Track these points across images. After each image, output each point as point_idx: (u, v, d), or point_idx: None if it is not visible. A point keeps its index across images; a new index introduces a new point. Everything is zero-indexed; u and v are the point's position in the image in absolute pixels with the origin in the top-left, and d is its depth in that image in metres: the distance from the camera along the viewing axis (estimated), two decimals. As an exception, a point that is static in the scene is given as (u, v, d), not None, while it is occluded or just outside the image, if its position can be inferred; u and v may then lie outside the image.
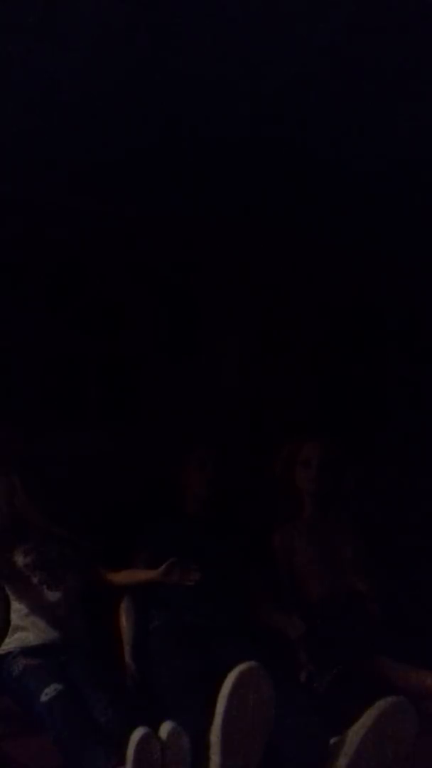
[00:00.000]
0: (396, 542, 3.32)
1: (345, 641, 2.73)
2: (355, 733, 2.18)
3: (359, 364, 3.82)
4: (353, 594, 2.94)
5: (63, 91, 2.86)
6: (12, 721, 2.51)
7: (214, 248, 3.64)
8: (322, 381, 3.75)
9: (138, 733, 2.14)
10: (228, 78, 2.82)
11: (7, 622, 2.75)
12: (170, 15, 2.50)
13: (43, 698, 2.41)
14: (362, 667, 2.62)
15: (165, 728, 2.18)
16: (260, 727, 2.21)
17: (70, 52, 2.66)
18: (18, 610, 2.76)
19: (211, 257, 3.64)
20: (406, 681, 2.53)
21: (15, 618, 2.75)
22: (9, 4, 2.44)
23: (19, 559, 2.82)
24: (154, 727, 2.17)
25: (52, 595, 2.77)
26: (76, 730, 2.32)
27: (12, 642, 2.71)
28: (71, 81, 2.80)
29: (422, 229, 3.67)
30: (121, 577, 2.86)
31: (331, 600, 2.93)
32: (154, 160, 3.30)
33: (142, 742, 2.12)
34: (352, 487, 3.16)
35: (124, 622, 2.83)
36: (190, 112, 3.01)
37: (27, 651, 2.64)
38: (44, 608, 2.74)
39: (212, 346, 3.66)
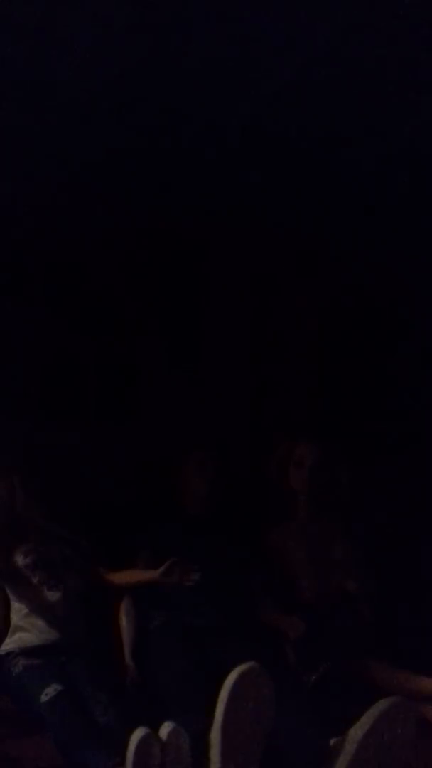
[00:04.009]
0: (396, 543, 3.33)
1: (334, 641, 2.73)
2: (355, 733, 2.19)
3: (359, 365, 3.82)
4: (345, 594, 2.94)
5: (63, 91, 2.86)
6: (12, 721, 2.51)
7: (215, 248, 3.63)
8: (323, 382, 3.75)
9: (138, 734, 2.14)
10: (228, 78, 2.82)
11: (7, 622, 2.75)
12: (170, 15, 2.50)
13: (43, 698, 2.41)
14: (352, 667, 2.63)
15: (165, 728, 2.18)
16: (260, 727, 2.21)
17: (70, 52, 2.66)
18: (18, 610, 2.75)
19: (211, 257, 3.64)
20: (397, 684, 2.53)
21: (15, 618, 2.75)
22: (9, 4, 2.44)
23: (19, 559, 2.81)
24: (154, 727, 2.17)
25: (52, 595, 2.76)
26: (76, 730, 2.32)
27: (12, 642, 2.71)
28: (71, 81, 2.80)
29: (423, 229, 3.67)
30: (121, 577, 2.86)
31: (322, 600, 2.93)
32: (155, 160, 3.30)
33: (142, 742, 2.13)
34: (346, 487, 3.16)
35: (124, 622, 2.83)
36: (191, 111, 3.01)
37: (27, 651, 2.64)
38: (44, 608, 2.73)
39: (213, 345, 3.65)
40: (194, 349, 3.63)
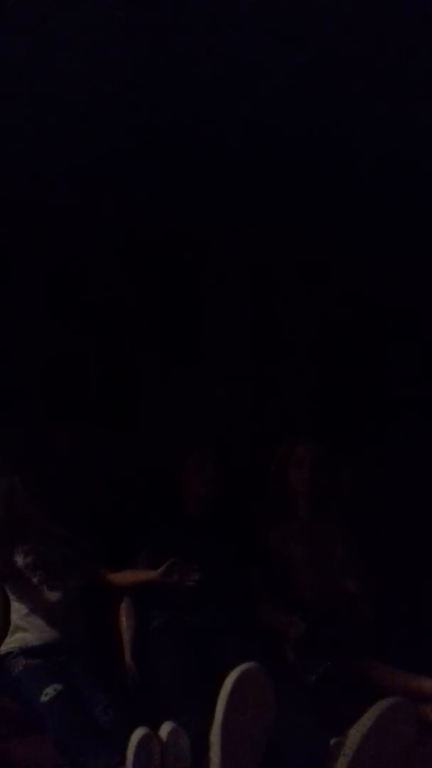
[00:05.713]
0: (397, 543, 3.33)
1: (334, 641, 2.73)
2: (355, 733, 2.18)
3: (360, 365, 3.82)
4: (345, 595, 2.94)
5: (63, 91, 2.87)
6: (12, 721, 2.51)
7: (215, 248, 3.63)
8: (323, 381, 3.75)
9: (138, 734, 2.14)
10: (228, 77, 2.82)
11: (7, 622, 2.75)
12: (170, 15, 2.50)
13: (43, 698, 2.41)
14: (352, 667, 2.63)
15: (165, 728, 2.18)
16: (260, 727, 2.21)
17: (70, 52, 2.66)
18: (18, 610, 2.76)
19: (211, 257, 3.64)
20: (397, 684, 2.53)
21: (15, 618, 2.75)
22: (9, 4, 2.45)
23: (19, 560, 2.81)
24: (154, 727, 2.17)
25: (52, 595, 2.76)
26: (76, 730, 2.32)
27: (12, 642, 2.71)
28: (71, 81, 2.81)
29: (422, 229, 3.67)
30: (121, 577, 2.86)
31: (322, 600, 2.93)
32: (155, 160, 3.30)
33: (142, 742, 2.13)
34: (346, 487, 3.15)
35: (124, 622, 2.83)
36: (190, 111, 3.02)
37: (27, 651, 2.64)
38: (44, 608, 2.73)
39: (213, 345, 3.66)
40: (195, 349, 3.63)
